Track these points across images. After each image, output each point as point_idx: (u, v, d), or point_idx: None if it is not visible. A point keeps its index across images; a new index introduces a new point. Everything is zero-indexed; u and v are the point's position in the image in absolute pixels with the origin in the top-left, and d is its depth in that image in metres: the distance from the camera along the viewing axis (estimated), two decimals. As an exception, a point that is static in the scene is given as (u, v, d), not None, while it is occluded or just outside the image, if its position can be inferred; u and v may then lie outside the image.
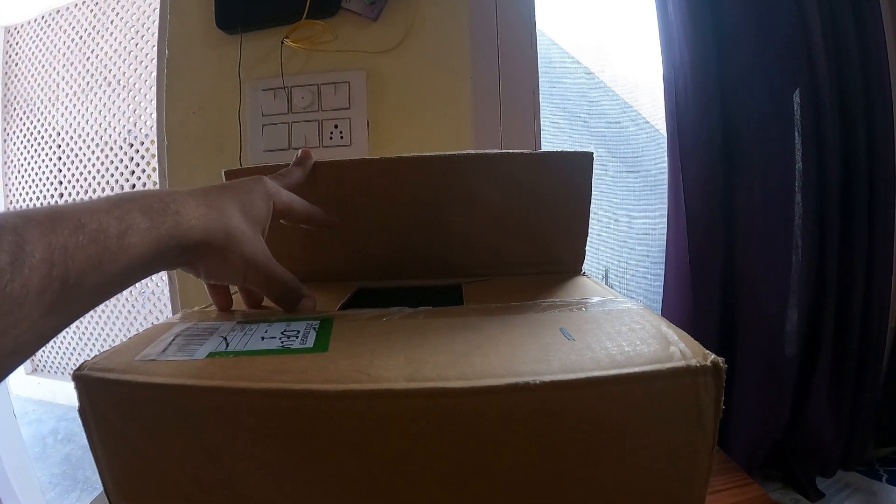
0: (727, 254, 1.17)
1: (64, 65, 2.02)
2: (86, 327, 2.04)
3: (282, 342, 0.35)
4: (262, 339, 0.36)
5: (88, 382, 0.31)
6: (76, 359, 2.10)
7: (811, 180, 1.10)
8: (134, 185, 1.90)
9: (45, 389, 2.17)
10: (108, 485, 0.33)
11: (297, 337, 0.36)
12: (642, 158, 1.34)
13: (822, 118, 1.09)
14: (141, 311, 1.97)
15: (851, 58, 1.11)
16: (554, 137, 1.25)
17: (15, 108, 2.13)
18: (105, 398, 0.31)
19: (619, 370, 0.29)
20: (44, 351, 2.18)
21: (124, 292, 1.73)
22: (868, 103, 1.13)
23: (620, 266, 1.33)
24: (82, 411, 0.31)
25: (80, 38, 1.98)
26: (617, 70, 1.32)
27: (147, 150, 1.87)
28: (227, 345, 0.35)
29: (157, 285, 1.92)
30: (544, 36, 1.17)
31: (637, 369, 0.29)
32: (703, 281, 1.16)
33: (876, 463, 1.33)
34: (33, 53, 2.08)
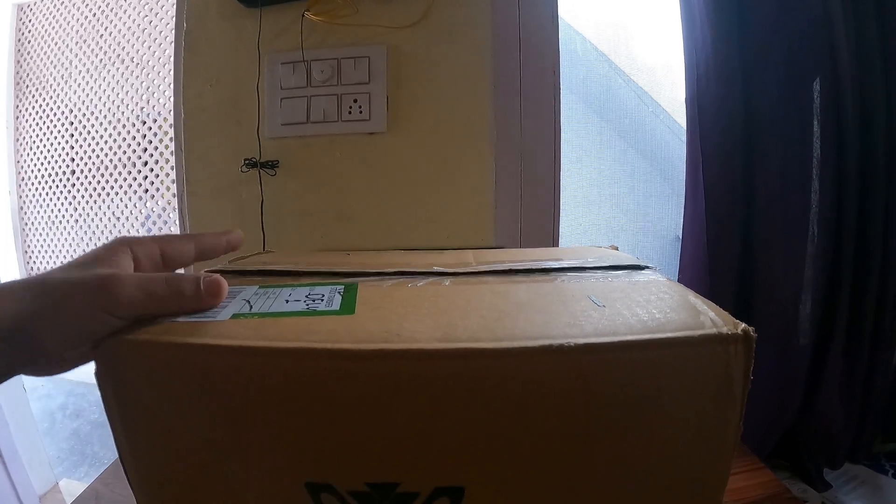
0: (745, 239, 1.17)
1: (77, 42, 2.01)
2: (96, 304, 2.05)
3: (307, 305, 0.35)
4: (287, 301, 0.35)
5: (107, 344, 0.30)
6: (85, 335, 2.10)
7: (829, 169, 1.10)
8: (146, 163, 1.90)
9: (54, 365, 2.18)
10: (123, 450, 0.32)
11: (322, 300, 0.35)
12: (658, 147, 1.33)
13: (842, 106, 1.09)
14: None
15: (872, 47, 1.10)
16: (569, 123, 1.24)
17: (28, 86, 2.13)
18: (124, 360, 0.30)
19: (651, 335, 0.29)
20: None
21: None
22: (888, 93, 1.12)
23: (634, 253, 1.33)
24: (99, 374, 0.31)
25: (94, 15, 1.97)
26: (636, 58, 1.31)
27: (160, 127, 1.87)
28: (251, 307, 0.34)
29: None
30: (563, 21, 1.16)
31: (669, 335, 0.29)
32: (719, 267, 1.15)
33: (882, 458, 1.32)
34: (46, 31, 2.08)
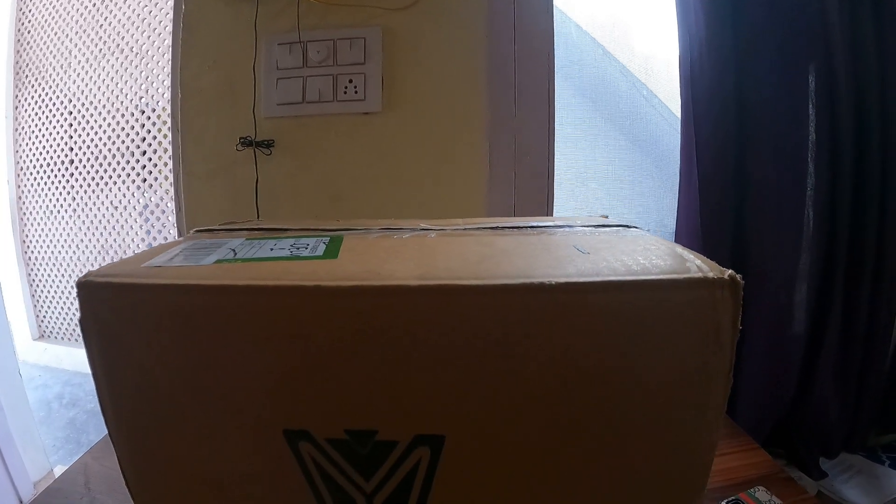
0: (738, 227, 1.17)
1: (76, 31, 2.02)
2: (93, 293, 2.04)
3: (291, 252, 0.34)
4: (272, 249, 0.35)
5: (92, 289, 0.30)
6: (83, 326, 2.10)
7: (824, 152, 1.09)
8: (145, 152, 1.90)
9: (50, 355, 2.18)
10: (104, 399, 0.32)
11: (306, 248, 0.35)
12: (652, 135, 1.33)
13: (836, 90, 1.08)
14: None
15: (866, 30, 1.10)
16: (562, 111, 1.23)
17: (27, 75, 2.13)
18: (107, 304, 0.30)
19: (636, 277, 0.28)
20: (50, 317, 2.19)
21: (134, 253, 1.75)
22: (882, 77, 1.11)
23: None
24: (83, 321, 0.30)
25: (94, 4, 1.97)
26: (630, 45, 1.31)
27: (158, 116, 1.87)
28: (235, 254, 0.34)
29: (165, 238, 1.93)
30: (557, 9, 1.16)
31: (654, 277, 0.28)
32: (713, 255, 1.15)
33: (878, 449, 1.32)
34: (45, 20, 2.08)
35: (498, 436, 0.30)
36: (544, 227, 0.42)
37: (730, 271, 0.29)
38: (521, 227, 0.42)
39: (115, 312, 0.30)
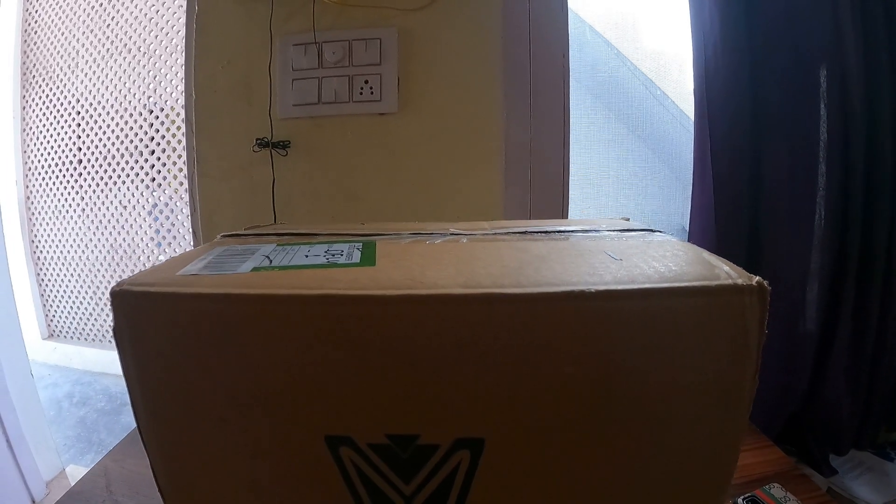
0: (753, 226, 1.17)
1: (84, 31, 2.02)
2: (103, 292, 2.06)
3: (327, 259, 0.35)
4: (307, 256, 0.35)
5: (127, 298, 0.30)
6: (91, 324, 2.12)
7: (836, 152, 1.09)
8: (153, 152, 1.91)
9: (60, 354, 2.19)
10: (138, 409, 0.32)
11: (341, 255, 0.36)
12: (665, 137, 1.33)
13: (848, 91, 1.08)
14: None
15: (878, 30, 1.10)
16: (575, 112, 1.24)
17: (34, 76, 2.14)
18: (144, 314, 0.30)
19: (669, 284, 0.29)
20: (59, 316, 2.20)
21: (143, 252, 1.74)
22: (894, 76, 1.11)
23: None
24: (118, 330, 0.30)
25: (101, 4, 1.98)
26: (644, 47, 1.31)
27: (167, 116, 1.87)
28: (271, 262, 0.35)
29: (175, 237, 1.93)
30: (570, 11, 1.16)
31: (687, 284, 0.29)
32: (728, 254, 1.15)
33: (888, 446, 1.33)
34: (53, 21, 2.08)
35: (536, 438, 0.31)
36: (571, 231, 0.42)
37: (757, 278, 0.30)
38: (550, 232, 0.42)
39: (151, 322, 0.30)
